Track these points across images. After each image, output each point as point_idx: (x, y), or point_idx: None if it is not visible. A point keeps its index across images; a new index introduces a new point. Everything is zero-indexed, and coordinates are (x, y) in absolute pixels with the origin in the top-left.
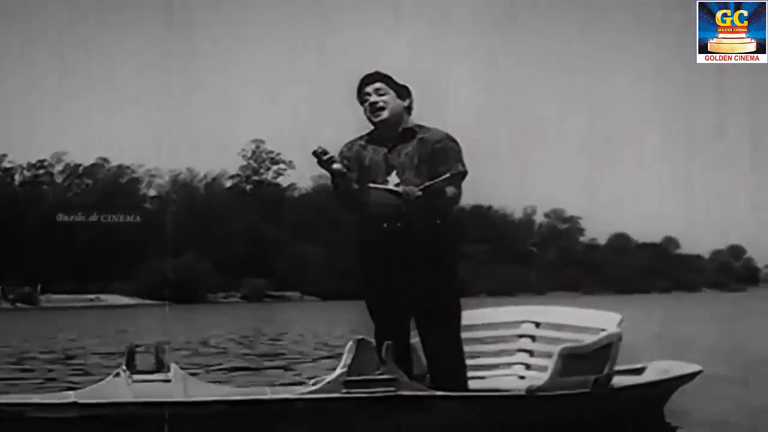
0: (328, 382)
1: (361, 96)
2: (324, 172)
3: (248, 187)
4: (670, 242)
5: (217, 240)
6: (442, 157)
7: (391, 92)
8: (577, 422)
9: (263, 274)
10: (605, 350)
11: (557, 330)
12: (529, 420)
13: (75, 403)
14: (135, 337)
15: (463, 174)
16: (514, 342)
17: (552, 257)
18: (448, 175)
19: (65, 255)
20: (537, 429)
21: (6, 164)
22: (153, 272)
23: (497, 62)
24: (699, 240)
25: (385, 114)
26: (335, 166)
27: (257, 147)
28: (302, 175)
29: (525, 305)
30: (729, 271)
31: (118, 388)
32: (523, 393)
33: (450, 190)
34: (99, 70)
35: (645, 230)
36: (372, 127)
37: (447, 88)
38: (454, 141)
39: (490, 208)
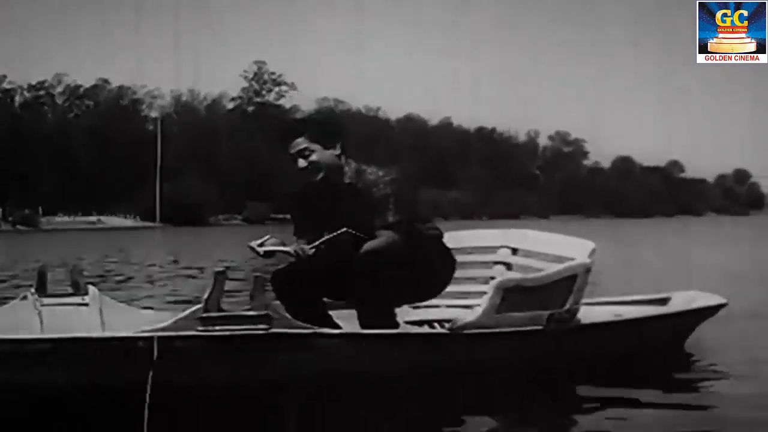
0: (180, 319)
1: (288, 152)
2: (328, 94)
3: (250, 108)
4: (675, 166)
5: (219, 162)
6: (374, 206)
7: (317, 146)
8: (541, 362)
9: (265, 197)
10: (566, 282)
11: (532, 258)
12: (457, 362)
13: None
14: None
15: (397, 223)
16: (488, 269)
17: (556, 181)
18: (343, 230)
19: (67, 177)
20: (477, 371)
21: (6, 85)
22: (154, 195)
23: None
24: (704, 164)
25: (321, 174)
26: (276, 248)
27: (259, 68)
28: (305, 97)
29: (505, 228)
30: (733, 195)
31: (23, 313)
32: (445, 331)
33: (373, 244)
34: None
35: (650, 154)
36: None
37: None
38: (393, 182)
39: (494, 130)
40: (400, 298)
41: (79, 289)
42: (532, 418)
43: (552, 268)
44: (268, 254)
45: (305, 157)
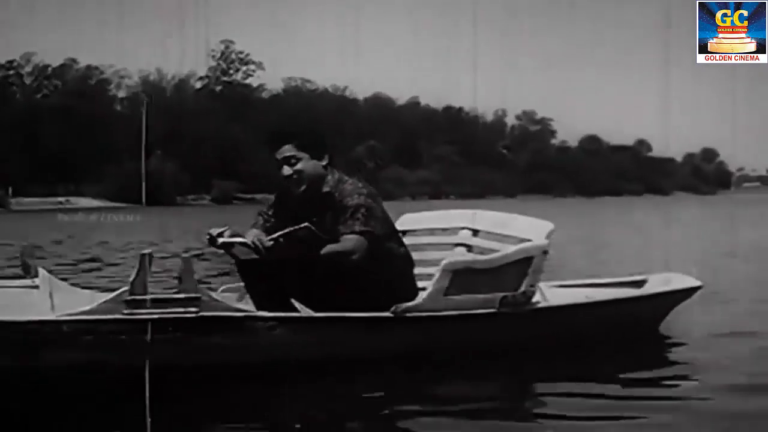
0: (105, 302)
1: (274, 158)
2: (295, 74)
3: (218, 88)
4: (642, 145)
5: (186, 142)
6: (344, 214)
7: (304, 155)
8: (496, 345)
9: (233, 177)
10: (521, 264)
11: (493, 239)
12: (401, 346)
13: None
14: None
15: (364, 233)
16: (450, 251)
17: (523, 160)
18: (305, 224)
19: (36, 157)
20: (423, 354)
21: None
22: (122, 175)
23: None
24: (671, 143)
25: (303, 186)
26: (233, 239)
27: (226, 47)
28: (272, 76)
29: (466, 209)
30: (701, 174)
31: None
32: (387, 315)
33: (336, 246)
34: None
35: (617, 132)
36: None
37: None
38: (369, 196)
39: (461, 109)
40: (355, 303)
41: (29, 271)
42: (482, 402)
43: (505, 250)
44: (225, 246)
45: (291, 165)
